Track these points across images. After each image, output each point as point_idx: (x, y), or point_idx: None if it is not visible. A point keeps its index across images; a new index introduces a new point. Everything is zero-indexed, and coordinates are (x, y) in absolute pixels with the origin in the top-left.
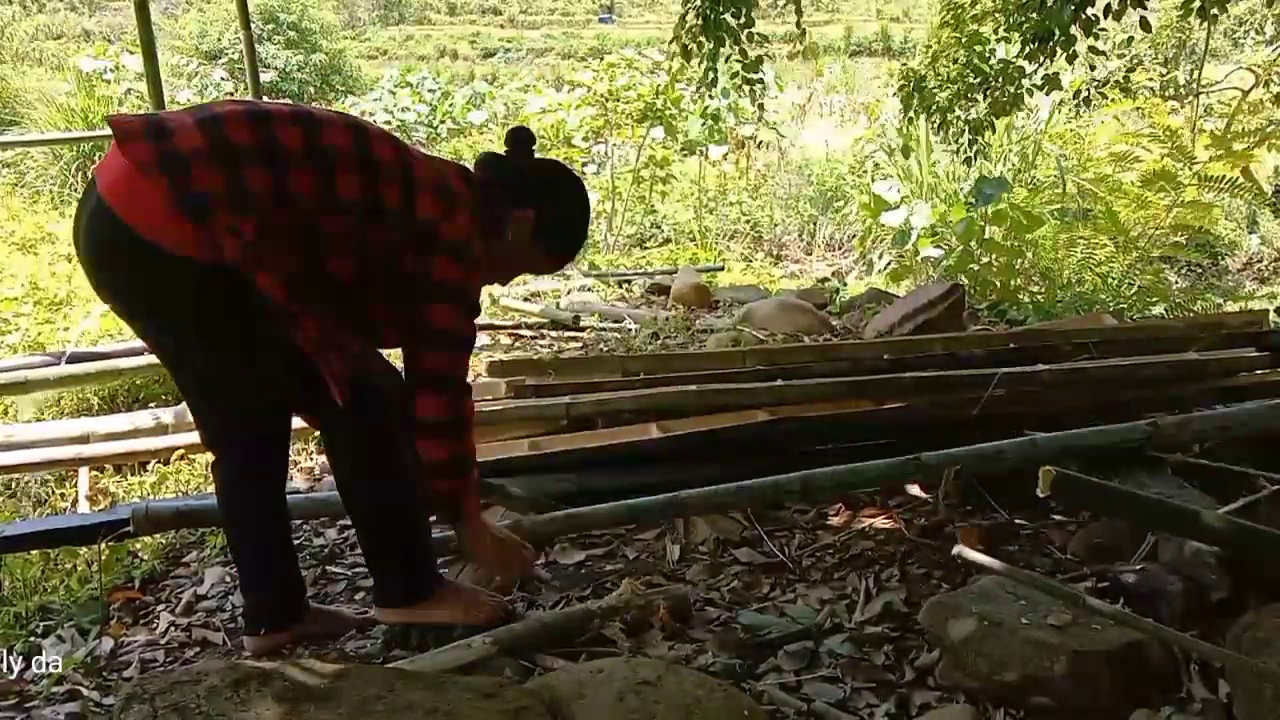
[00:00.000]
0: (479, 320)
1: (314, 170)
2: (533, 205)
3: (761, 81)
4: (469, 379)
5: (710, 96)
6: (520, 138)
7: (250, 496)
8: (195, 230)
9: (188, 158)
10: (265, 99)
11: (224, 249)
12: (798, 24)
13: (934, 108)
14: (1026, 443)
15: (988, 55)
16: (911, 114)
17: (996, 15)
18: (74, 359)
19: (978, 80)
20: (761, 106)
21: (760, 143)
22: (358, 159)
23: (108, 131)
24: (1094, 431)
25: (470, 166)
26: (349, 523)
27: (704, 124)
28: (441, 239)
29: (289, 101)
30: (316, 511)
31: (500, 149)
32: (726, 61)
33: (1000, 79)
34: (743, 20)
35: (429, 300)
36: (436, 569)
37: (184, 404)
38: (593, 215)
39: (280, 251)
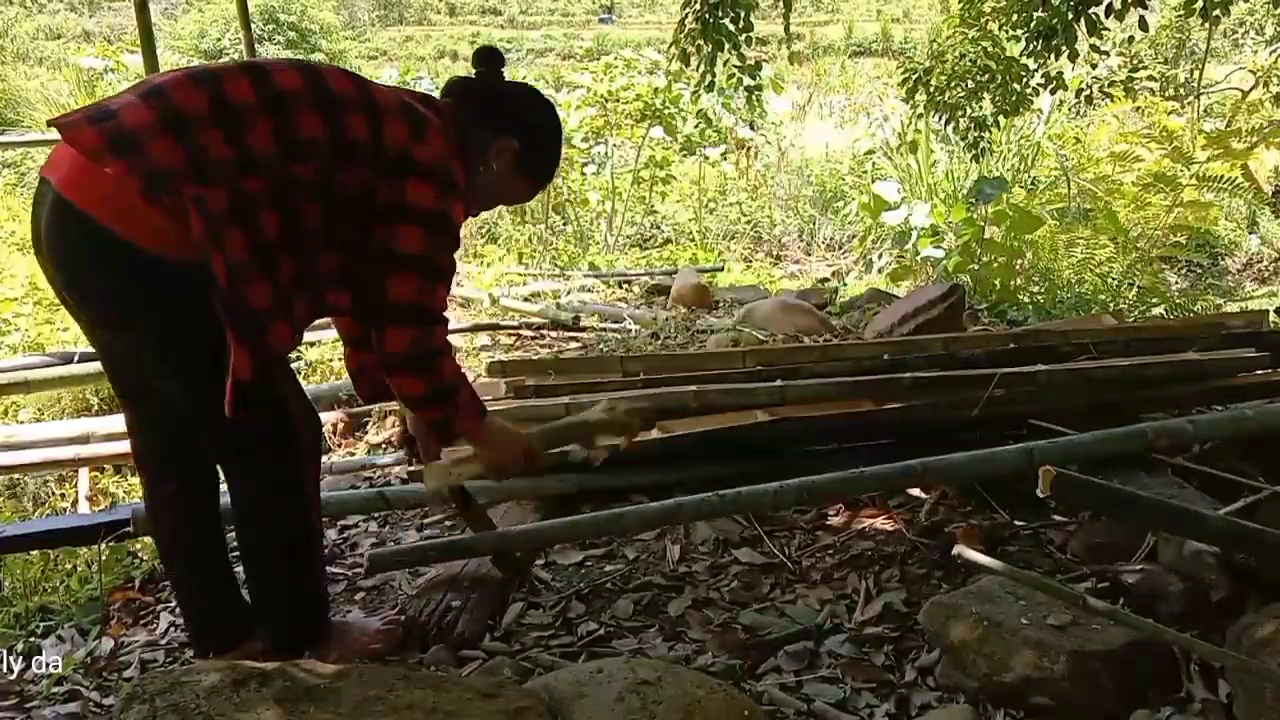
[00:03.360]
0: (480, 319)
1: (271, 118)
2: (512, 132)
3: (759, 87)
4: (443, 310)
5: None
6: (490, 58)
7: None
8: (162, 216)
9: (138, 134)
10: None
11: (189, 225)
12: (786, 29)
13: (941, 103)
14: (1022, 451)
15: (996, 53)
16: (920, 110)
17: (1002, 13)
18: (85, 358)
19: (986, 77)
20: (763, 113)
21: (754, 150)
22: (314, 96)
23: None
24: (1093, 438)
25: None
26: (349, 522)
27: (697, 125)
28: (418, 162)
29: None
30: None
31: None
32: (725, 66)
33: (1007, 76)
34: (741, 25)
35: (395, 222)
36: (327, 611)
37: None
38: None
39: (253, 218)
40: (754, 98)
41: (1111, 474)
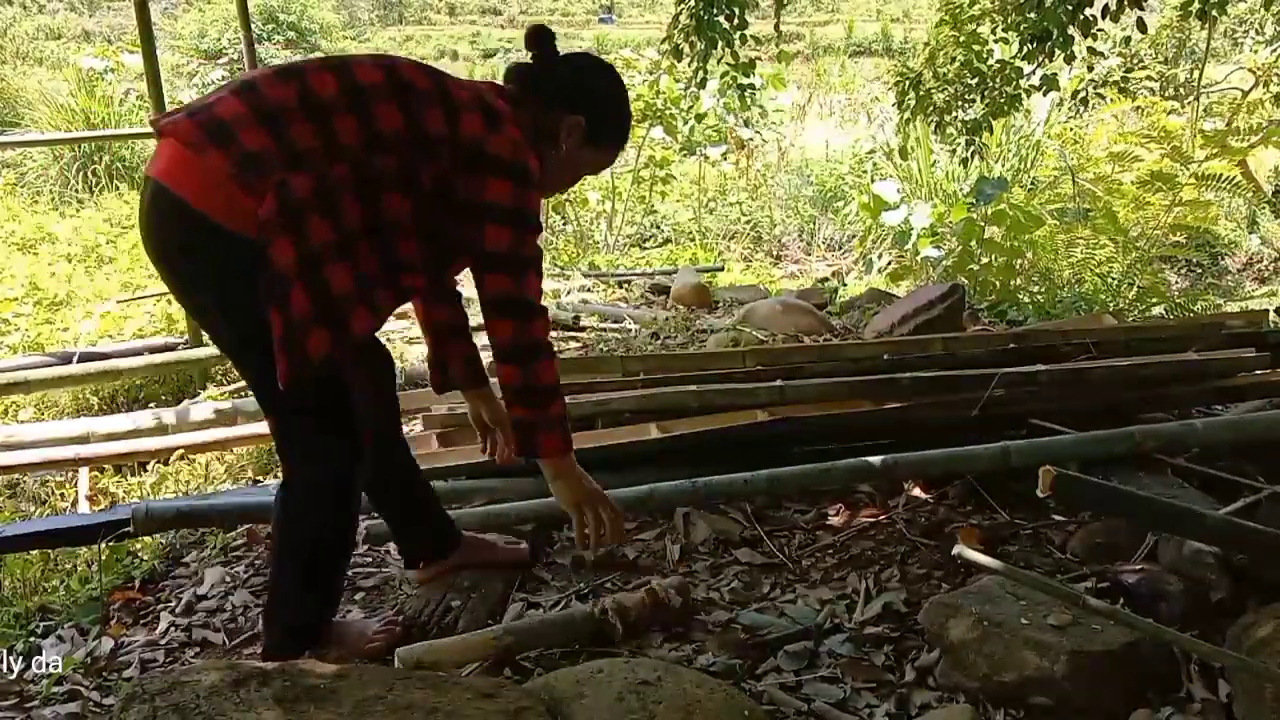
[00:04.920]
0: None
1: (354, 113)
2: (576, 108)
3: (753, 86)
4: (539, 303)
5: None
6: (541, 38)
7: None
8: (252, 200)
9: (231, 124)
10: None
11: (264, 207)
12: (776, 26)
13: (931, 108)
14: (998, 450)
15: (985, 56)
16: (908, 114)
17: (994, 15)
18: (84, 359)
19: (975, 81)
20: (762, 110)
21: (752, 150)
22: (391, 89)
23: (108, 131)
24: (1072, 440)
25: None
26: None
27: (690, 124)
28: (491, 157)
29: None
30: None
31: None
32: (718, 63)
33: (998, 79)
34: (736, 23)
35: (480, 221)
36: (334, 612)
37: (184, 404)
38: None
39: (337, 204)
40: (747, 96)
41: (1111, 474)
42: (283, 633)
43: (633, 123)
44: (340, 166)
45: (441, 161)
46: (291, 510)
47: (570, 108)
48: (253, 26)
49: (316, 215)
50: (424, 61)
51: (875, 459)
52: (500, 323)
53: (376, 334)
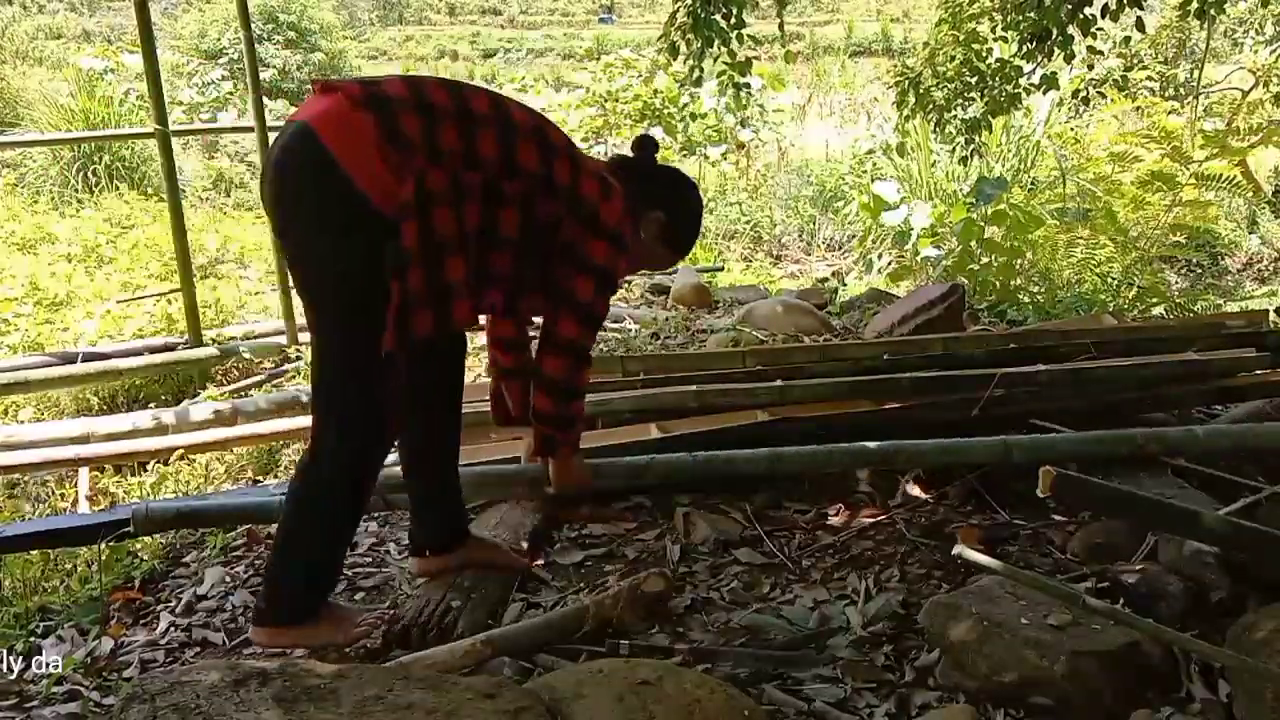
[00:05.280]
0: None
1: (498, 137)
2: (661, 207)
3: (749, 85)
4: (590, 353)
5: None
6: (647, 144)
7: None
8: (384, 166)
9: (394, 101)
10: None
11: (403, 188)
12: (780, 27)
13: (930, 107)
14: (998, 444)
15: (984, 55)
16: (908, 113)
17: (994, 15)
18: (88, 358)
19: (974, 80)
20: (761, 108)
21: (750, 150)
22: (535, 135)
23: (108, 131)
24: (1075, 438)
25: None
26: None
27: (685, 123)
28: (601, 221)
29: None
30: None
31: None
32: (715, 62)
33: (997, 79)
34: (733, 21)
35: (579, 272)
36: (330, 592)
37: (184, 404)
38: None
39: (463, 205)
40: (743, 95)
41: (1111, 474)
42: (279, 602)
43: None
44: (473, 174)
45: (560, 204)
46: (311, 482)
47: (656, 205)
48: (253, 26)
49: (445, 209)
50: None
51: (874, 444)
52: (556, 359)
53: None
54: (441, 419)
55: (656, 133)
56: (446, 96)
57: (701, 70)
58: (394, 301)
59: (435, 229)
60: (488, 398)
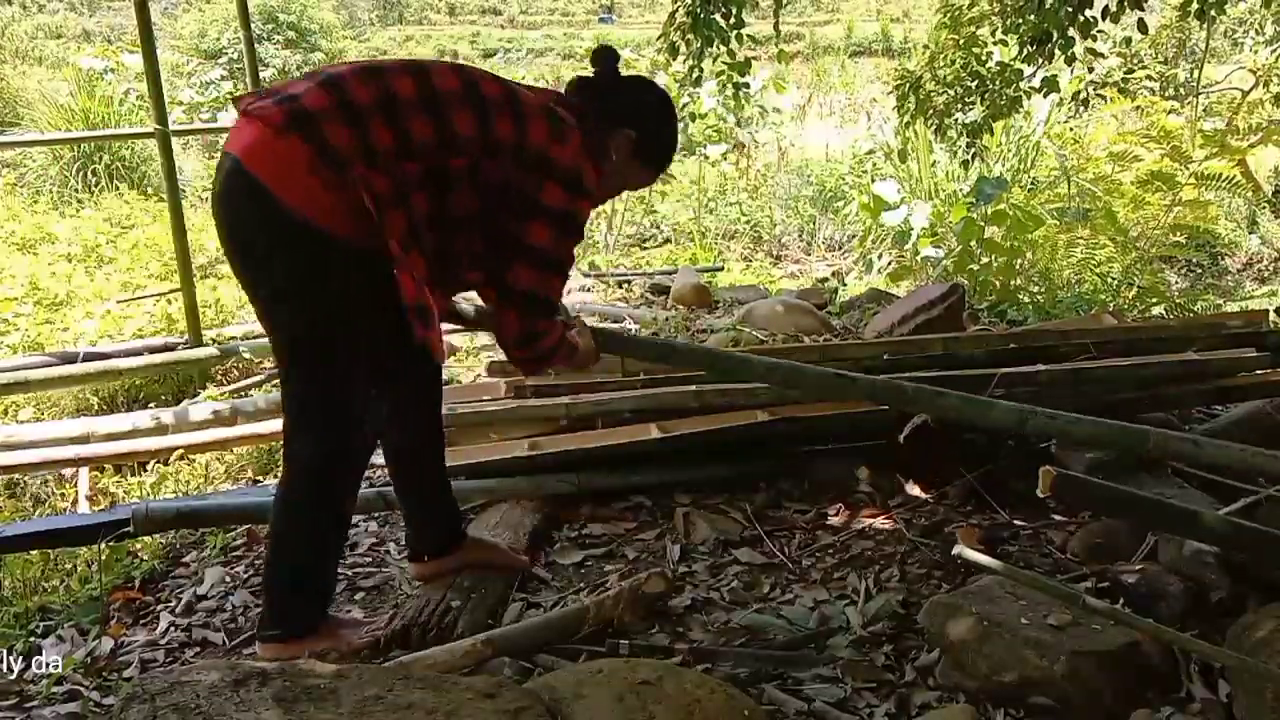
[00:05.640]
0: None
1: (429, 116)
2: (629, 124)
3: (748, 85)
4: (554, 301)
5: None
6: (606, 56)
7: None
8: (321, 187)
9: (316, 115)
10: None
11: (357, 202)
12: (775, 26)
13: (930, 110)
14: (1015, 410)
15: (984, 58)
16: (908, 117)
17: (993, 18)
18: (89, 358)
19: (975, 83)
20: (762, 110)
21: (749, 150)
22: (467, 96)
23: (108, 131)
24: (1090, 423)
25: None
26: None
27: (686, 124)
28: (553, 163)
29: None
30: None
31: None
32: (714, 61)
33: (998, 82)
34: (733, 21)
35: (527, 217)
36: (328, 603)
37: (184, 404)
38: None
39: (408, 199)
40: (741, 95)
41: (1111, 474)
42: (279, 616)
43: (675, 153)
44: (411, 165)
45: (506, 162)
46: (291, 493)
47: (623, 123)
48: (253, 26)
49: (393, 210)
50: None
51: (903, 384)
52: (510, 316)
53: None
54: (421, 424)
55: None
56: (368, 91)
57: (701, 70)
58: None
59: (394, 230)
60: (486, 396)
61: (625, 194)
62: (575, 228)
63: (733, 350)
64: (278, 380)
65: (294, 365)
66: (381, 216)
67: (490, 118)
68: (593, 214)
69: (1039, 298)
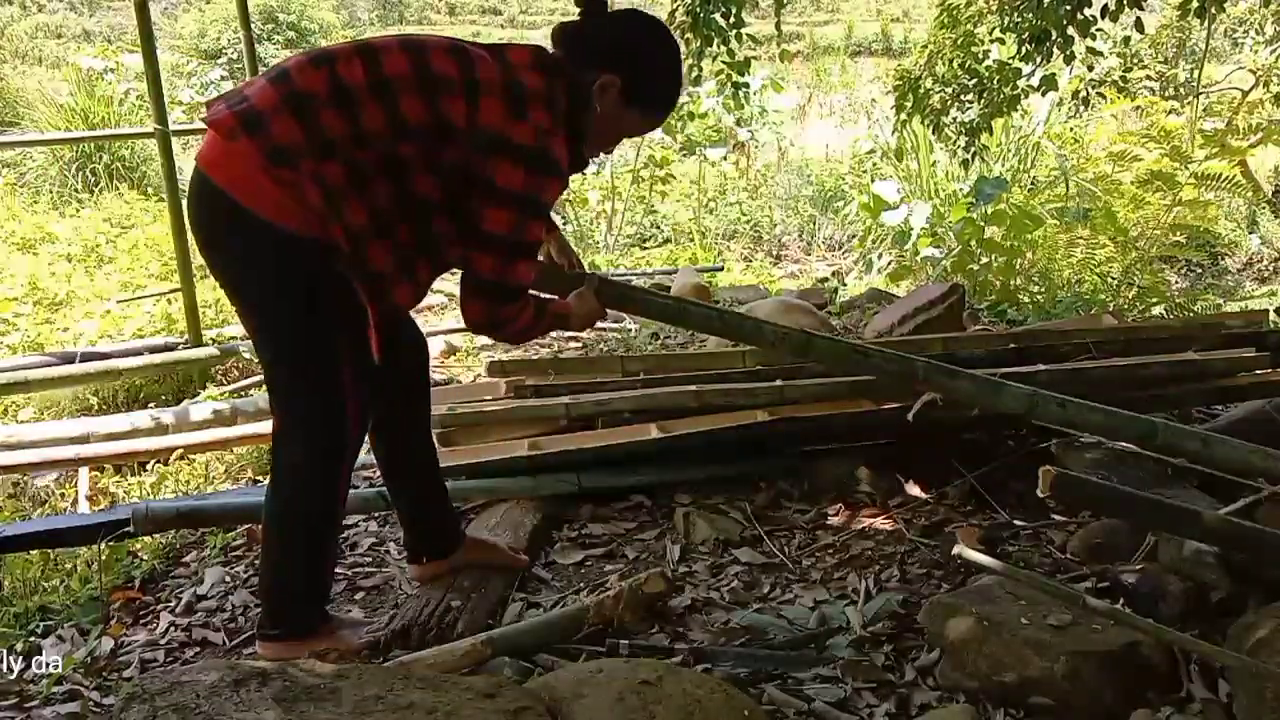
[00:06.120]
0: None
1: (380, 102)
2: (612, 67)
3: (747, 85)
4: (521, 286)
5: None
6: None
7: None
8: (277, 187)
9: (263, 113)
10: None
11: (308, 197)
12: (777, 25)
13: (928, 109)
14: (1025, 395)
15: (982, 57)
16: (905, 116)
17: (991, 16)
18: (86, 358)
19: (973, 82)
20: (763, 110)
21: (749, 150)
22: (417, 80)
23: (108, 131)
24: (1104, 412)
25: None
26: (349, 522)
27: (682, 122)
28: (512, 144)
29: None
30: None
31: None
32: (713, 61)
33: (996, 81)
34: (732, 20)
35: (485, 203)
36: (326, 601)
37: (184, 404)
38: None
39: (368, 187)
40: (740, 95)
41: (1111, 474)
42: (277, 616)
43: (680, 91)
44: (368, 152)
45: (461, 146)
46: (281, 492)
47: (609, 66)
48: (253, 26)
49: (352, 200)
50: (456, 40)
51: (919, 361)
52: (473, 304)
53: (414, 321)
54: (410, 423)
55: (655, 133)
56: (318, 79)
57: (700, 69)
58: (373, 319)
59: (349, 223)
60: (487, 396)
61: (625, 194)
62: (538, 208)
63: (745, 316)
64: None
65: (275, 367)
66: (338, 208)
67: (439, 101)
68: (592, 213)
69: (1039, 298)
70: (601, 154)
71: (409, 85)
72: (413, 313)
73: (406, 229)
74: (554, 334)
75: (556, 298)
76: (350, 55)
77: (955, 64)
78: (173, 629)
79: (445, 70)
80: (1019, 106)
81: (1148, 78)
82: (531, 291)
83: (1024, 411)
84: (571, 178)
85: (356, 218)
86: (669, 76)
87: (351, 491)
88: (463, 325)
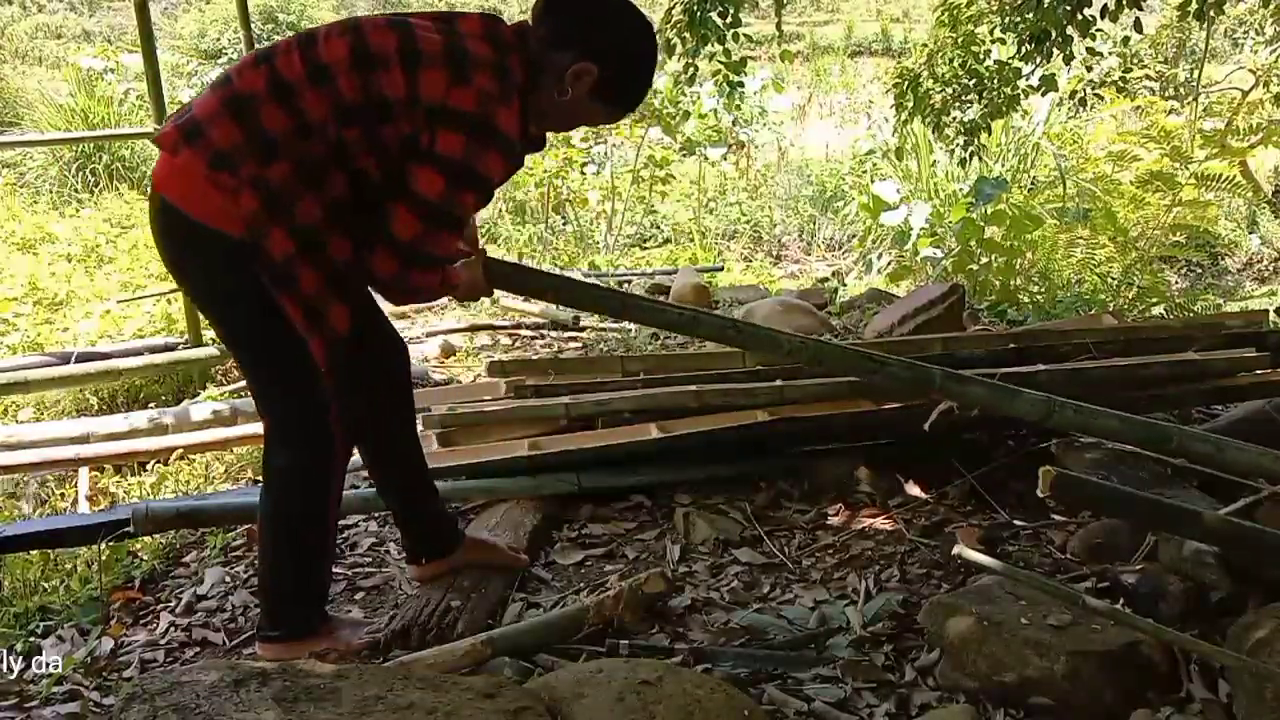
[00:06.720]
0: (479, 319)
1: (320, 89)
2: (593, 57)
3: (742, 84)
4: (439, 257)
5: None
6: None
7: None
8: (221, 195)
9: (203, 121)
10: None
11: (242, 203)
12: (778, 26)
13: (929, 109)
14: (1042, 401)
15: (982, 57)
16: (905, 115)
17: (992, 16)
18: (82, 359)
19: (973, 82)
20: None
21: (749, 149)
22: (353, 60)
23: (108, 131)
24: (1118, 419)
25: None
26: (349, 522)
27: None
28: (453, 112)
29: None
30: None
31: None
32: (710, 60)
33: (996, 80)
34: (729, 20)
35: (423, 164)
36: (324, 602)
37: (184, 404)
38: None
39: (322, 181)
40: (736, 94)
41: (1111, 474)
42: (276, 617)
43: (649, 90)
44: (316, 144)
45: (402, 122)
46: (274, 494)
47: (586, 55)
48: (253, 26)
49: (304, 196)
50: (395, 13)
51: (929, 371)
52: (386, 259)
53: (389, 321)
54: (393, 425)
55: (655, 133)
56: (258, 78)
57: (696, 68)
58: (296, 318)
59: (300, 222)
60: (487, 396)
61: (625, 195)
62: (474, 179)
63: (749, 323)
64: None
65: (250, 375)
66: (288, 209)
67: (375, 77)
68: (592, 213)
69: (1039, 298)
70: (556, 132)
71: (346, 66)
72: (411, 312)
73: (363, 218)
74: (554, 334)
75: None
76: (290, 49)
77: (955, 63)
78: (173, 629)
79: (383, 45)
80: (1019, 106)
81: (1147, 78)
82: None
83: (1040, 418)
84: (561, 175)
85: (311, 213)
86: (645, 80)
87: (352, 491)
88: (462, 326)
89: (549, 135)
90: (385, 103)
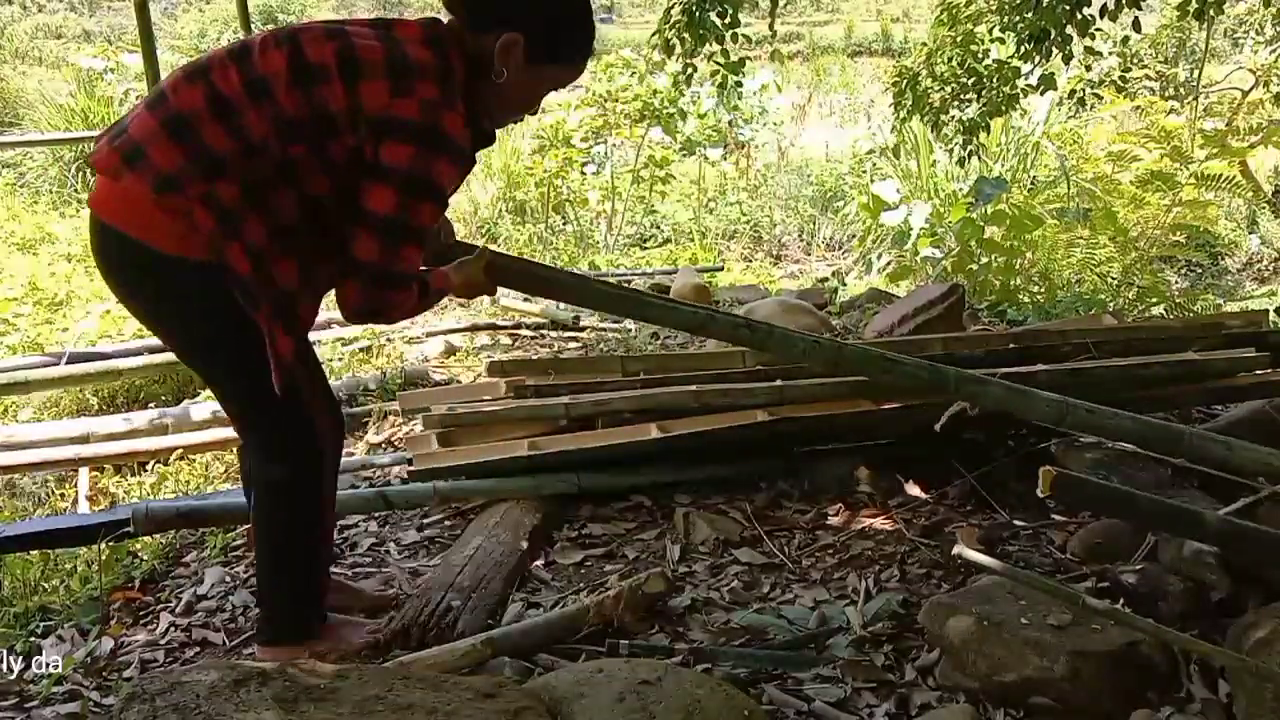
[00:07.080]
0: (479, 319)
1: (260, 106)
2: (511, 25)
3: (740, 84)
4: (406, 273)
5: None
6: None
7: None
8: (171, 218)
9: (143, 144)
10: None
11: (198, 221)
12: (770, 25)
13: (927, 108)
14: (1057, 403)
15: (981, 56)
16: (904, 114)
17: (991, 15)
18: (74, 359)
19: (971, 81)
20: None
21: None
22: (292, 74)
23: None
24: (1131, 421)
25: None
26: (348, 522)
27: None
28: (397, 122)
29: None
30: None
31: None
32: (708, 60)
33: (995, 79)
34: (728, 20)
35: (369, 180)
36: (321, 606)
37: (184, 404)
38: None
39: (268, 201)
40: (732, 93)
41: (1111, 474)
42: (275, 620)
43: (595, 30)
44: (260, 162)
45: (346, 135)
46: (265, 506)
47: (509, 25)
48: (253, 26)
49: (250, 216)
50: (333, 20)
51: (946, 372)
52: (352, 286)
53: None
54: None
55: (655, 133)
56: (195, 94)
57: (694, 68)
58: (268, 339)
59: (249, 241)
60: (487, 396)
61: (625, 194)
62: (428, 189)
63: (763, 323)
64: None
65: (230, 397)
66: (236, 227)
67: (315, 91)
68: (592, 213)
69: (1039, 298)
70: (524, 118)
71: (284, 80)
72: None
73: (308, 237)
74: (554, 334)
75: (433, 270)
76: (225, 62)
77: (954, 63)
78: (173, 629)
79: (321, 57)
80: (1018, 106)
81: (1147, 77)
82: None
83: (1054, 421)
84: (561, 175)
85: (256, 235)
86: (577, 19)
87: (352, 491)
88: (463, 326)
89: (548, 135)
90: (329, 115)
